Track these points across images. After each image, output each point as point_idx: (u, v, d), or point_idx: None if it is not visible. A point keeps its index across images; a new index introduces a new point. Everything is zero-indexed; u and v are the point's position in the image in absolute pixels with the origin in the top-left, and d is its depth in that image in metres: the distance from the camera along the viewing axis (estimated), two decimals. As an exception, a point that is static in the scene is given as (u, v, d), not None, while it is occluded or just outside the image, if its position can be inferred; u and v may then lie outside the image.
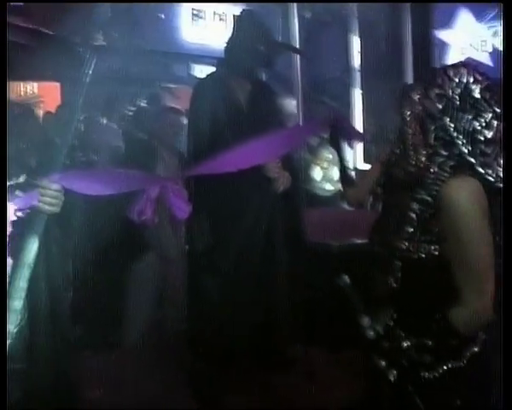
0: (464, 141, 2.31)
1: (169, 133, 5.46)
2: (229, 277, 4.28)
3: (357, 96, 7.55)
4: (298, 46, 6.11)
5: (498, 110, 2.32)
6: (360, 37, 7.29)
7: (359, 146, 7.41)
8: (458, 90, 2.34)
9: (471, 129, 2.31)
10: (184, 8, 12.04)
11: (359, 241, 4.77)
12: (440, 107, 2.36)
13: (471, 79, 2.33)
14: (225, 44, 4.42)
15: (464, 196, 2.26)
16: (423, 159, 2.40)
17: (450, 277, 2.30)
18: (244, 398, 4.32)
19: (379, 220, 3.97)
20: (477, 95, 2.32)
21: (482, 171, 2.29)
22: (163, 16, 11.44)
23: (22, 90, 11.10)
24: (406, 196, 2.50)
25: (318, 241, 5.08)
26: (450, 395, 2.39)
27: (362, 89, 7.46)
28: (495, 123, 2.30)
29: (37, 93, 10.89)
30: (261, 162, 4.00)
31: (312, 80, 12.37)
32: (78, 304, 4.00)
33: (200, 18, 12.34)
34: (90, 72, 3.02)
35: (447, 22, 12.89)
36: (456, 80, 2.35)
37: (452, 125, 2.33)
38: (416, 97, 3.51)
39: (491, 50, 12.65)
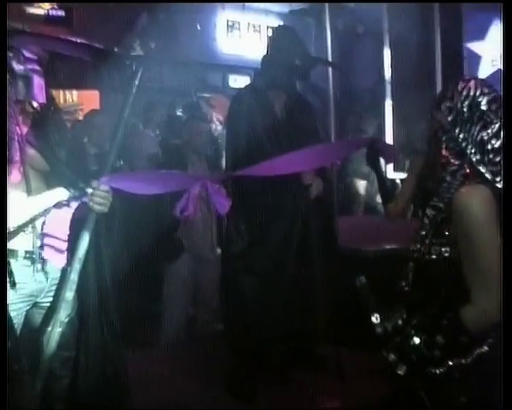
0: (474, 151, 2.48)
1: (197, 140, 5.61)
2: (263, 278, 4.43)
3: (388, 107, 7.64)
4: (331, 58, 6.26)
5: (504, 120, 2.47)
6: (391, 48, 7.36)
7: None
8: (466, 103, 2.50)
9: (479, 139, 2.47)
10: (220, 19, 12.22)
11: (393, 247, 4.92)
12: (450, 119, 2.53)
13: (478, 92, 2.49)
14: (262, 57, 4.59)
15: (475, 202, 2.41)
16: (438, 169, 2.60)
17: (460, 277, 2.45)
18: (277, 394, 4.47)
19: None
20: (484, 107, 2.47)
21: (491, 178, 2.44)
22: (199, 27, 11.60)
23: (62, 97, 11.36)
24: (425, 203, 2.70)
25: (351, 246, 5.23)
26: (455, 391, 2.53)
27: (392, 100, 7.55)
28: (502, 133, 2.46)
29: (77, 101, 11.13)
30: (299, 170, 4.19)
31: (346, 91, 12.55)
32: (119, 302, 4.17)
33: (236, 29, 12.51)
34: (137, 82, 3.24)
35: (478, 34, 12.96)
36: (465, 93, 2.51)
37: (462, 136, 2.50)
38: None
39: (521, 62, 12.71)
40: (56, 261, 3.20)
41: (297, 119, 4.51)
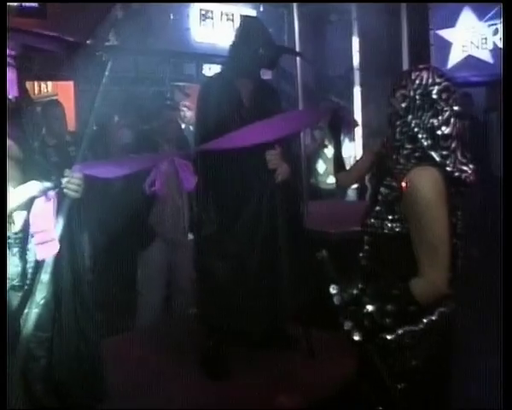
0: (425, 136, 2.67)
1: (168, 128, 5.75)
2: (233, 261, 4.54)
3: (356, 92, 7.80)
4: (304, 46, 6.38)
5: (456, 108, 2.67)
6: (359, 37, 7.51)
7: (359, 140, 7.69)
8: (419, 91, 2.68)
9: (430, 126, 2.66)
10: (193, 9, 12.29)
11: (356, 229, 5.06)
12: (404, 106, 2.71)
13: (430, 81, 2.67)
14: (230, 47, 4.73)
15: (425, 182, 2.60)
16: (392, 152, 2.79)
17: (411, 252, 2.65)
18: (250, 373, 4.60)
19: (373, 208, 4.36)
20: (434, 96, 2.66)
21: (441, 162, 2.63)
22: (172, 17, 11.68)
23: (36, 88, 11.42)
24: (379, 182, 2.90)
25: (317, 229, 5.39)
26: (406, 356, 2.74)
27: (361, 86, 7.71)
28: (452, 120, 2.66)
29: (51, 91, 11.18)
30: (265, 141, 4.33)
31: (319, 78, 12.68)
32: (94, 285, 4.28)
33: (209, 18, 12.60)
34: (107, 73, 3.38)
35: (449, 21, 13.13)
36: (417, 82, 2.69)
37: (414, 122, 2.69)
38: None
39: (491, 48, 12.87)
40: (46, 253, 3.33)
41: (263, 106, 4.61)
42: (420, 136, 2.67)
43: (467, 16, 13.03)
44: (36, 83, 11.29)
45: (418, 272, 2.63)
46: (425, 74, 2.69)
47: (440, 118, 2.66)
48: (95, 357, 3.79)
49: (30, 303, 3.30)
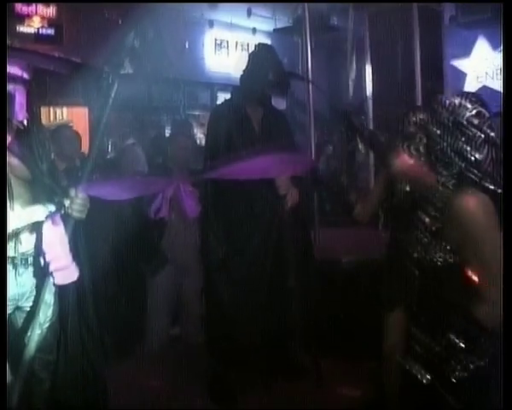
0: (460, 161, 2.63)
1: (181, 156, 5.73)
2: (242, 288, 4.55)
3: (370, 123, 7.80)
4: (319, 75, 6.39)
5: (490, 133, 2.62)
6: (372, 66, 7.52)
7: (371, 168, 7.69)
8: (451, 118, 2.65)
9: (464, 151, 2.62)
10: (208, 38, 12.40)
11: (370, 257, 5.03)
12: (439, 132, 2.68)
13: (461, 107, 2.64)
14: (241, 74, 4.75)
15: (476, 208, 2.55)
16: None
17: (469, 280, 2.58)
18: (258, 401, 4.57)
19: (392, 235, 4.34)
20: (465, 121, 2.62)
21: (480, 182, 2.59)
22: (187, 45, 11.77)
23: (52, 114, 11.50)
24: (415, 211, 2.85)
25: (329, 257, 5.37)
26: (477, 394, 2.65)
27: (374, 117, 7.70)
28: (485, 146, 2.61)
29: (67, 118, 11.27)
30: (271, 176, 4.37)
31: (334, 107, 12.69)
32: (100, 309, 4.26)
33: (224, 47, 12.70)
34: (113, 95, 3.38)
35: (463, 51, 13.15)
36: (450, 109, 2.66)
37: (449, 148, 2.65)
38: (409, 120, 3.93)
39: (506, 79, 12.88)
40: (64, 279, 3.32)
41: (273, 132, 4.66)
42: (456, 160, 2.65)
43: (481, 46, 13.06)
44: (51, 110, 11.38)
45: (479, 297, 2.56)
46: (457, 100, 2.68)
47: (473, 144, 2.63)
48: (100, 381, 3.74)
49: (34, 324, 3.28)
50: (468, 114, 2.63)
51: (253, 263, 4.57)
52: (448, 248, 2.65)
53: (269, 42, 13.02)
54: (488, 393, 2.67)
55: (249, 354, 4.65)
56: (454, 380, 2.61)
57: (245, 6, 11.23)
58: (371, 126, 7.84)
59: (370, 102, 7.57)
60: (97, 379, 3.70)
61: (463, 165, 2.63)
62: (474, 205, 2.56)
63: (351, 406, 4.53)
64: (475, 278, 2.57)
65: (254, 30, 12.41)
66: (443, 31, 7.77)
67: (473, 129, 2.62)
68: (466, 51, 13.26)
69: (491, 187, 2.59)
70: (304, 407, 4.52)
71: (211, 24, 11.88)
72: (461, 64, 13.34)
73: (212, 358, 4.84)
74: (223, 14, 11.41)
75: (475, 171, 2.61)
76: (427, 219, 2.77)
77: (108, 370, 3.91)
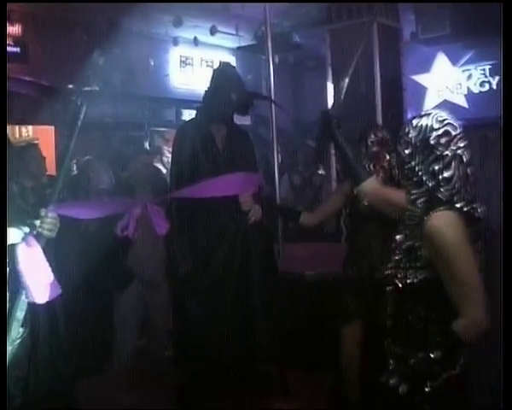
0: (429, 180, 2.73)
1: (143, 173, 5.83)
2: (207, 301, 4.63)
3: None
4: (279, 92, 6.50)
5: (458, 151, 2.72)
6: (333, 82, 7.67)
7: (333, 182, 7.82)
8: (419, 138, 2.75)
9: (432, 170, 2.72)
10: (173, 55, 12.50)
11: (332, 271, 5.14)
12: (407, 152, 2.79)
13: (428, 127, 2.74)
14: (204, 92, 4.87)
15: (446, 227, 2.65)
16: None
17: (443, 295, 2.67)
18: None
19: (352, 250, 4.48)
20: (432, 141, 2.72)
21: (449, 200, 2.69)
22: (152, 63, 11.85)
23: (17, 132, 11.50)
24: (376, 226, 2.99)
25: (293, 270, 5.50)
26: (449, 400, 2.75)
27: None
28: (453, 163, 2.70)
29: (32, 135, 11.27)
30: (233, 194, 4.55)
31: (295, 124, 12.87)
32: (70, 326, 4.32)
33: (189, 64, 12.81)
34: (82, 116, 3.47)
35: (423, 66, 13.45)
36: (418, 129, 2.76)
37: (418, 167, 2.76)
38: (371, 140, 4.11)
39: (465, 93, 13.20)
40: (48, 295, 3.39)
41: (236, 150, 4.79)
42: (424, 179, 2.74)
43: (441, 61, 13.38)
44: (17, 127, 11.38)
45: (457, 313, 2.65)
46: (424, 121, 2.77)
47: (441, 163, 2.72)
48: (70, 398, 3.82)
49: (5, 341, 3.35)
50: (435, 134, 2.72)
51: (218, 277, 4.65)
52: (419, 265, 2.73)
53: (233, 59, 13.21)
54: (462, 399, 2.79)
55: (215, 366, 4.72)
56: (427, 390, 2.69)
57: (209, 23, 11.33)
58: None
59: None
60: (67, 396, 3.78)
61: (433, 184, 2.72)
62: (442, 224, 2.66)
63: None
64: (451, 294, 2.65)
65: (219, 47, 12.53)
66: (401, 47, 7.91)
67: (440, 148, 2.71)
68: (426, 67, 13.61)
69: (459, 205, 2.69)
70: None
71: (175, 41, 11.96)
72: (421, 79, 13.68)
73: (179, 370, 4.93)
74: (187, 31, 11.50)
75: (444, 189, 2.70)
76: (397, 237, 2.86)
77: (78, 385, 4.00)
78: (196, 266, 4.66)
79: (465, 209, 2.68)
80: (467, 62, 13.12)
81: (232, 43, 12.53)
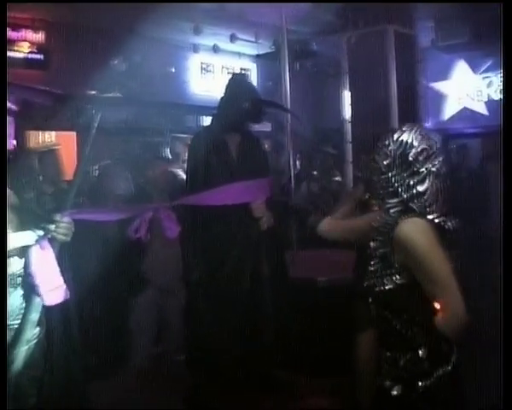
0: (404, 191, 2.84)
1: (160, 179, 5.92)
2: (220, 306, 4.74)
3: (348, 145, 7.99)
4: (299, 99, 6.57)
5: (433, 169, 2.82)
6: (351, 90, 7.73)
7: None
8: (399, 152, 2.84)
9: (407, 183, 2.83)
10: (193, 62, 12.60)
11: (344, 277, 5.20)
12: (385, 163, 2.88)
13: (408, 144, 2.83)
14: (219, 101, 4.98)
15: (415, 232, 2.76)
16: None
17: (422, 295, 2.78)
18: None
19: (360, 256, 4.55)
20: (411, 158, 2.82)
21: (422, 212, 2.81)
22: (173, 70, 11.96)
23: (40, 138, 11.68)
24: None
25: (305, 277, 5.56)
26: (445, 399, 2.85)
27: (352, 138, 7.90)
28: (428, 179, 2.81)
29: (55, 141, 11.43)
30: (245, 201, 4.66)
31: (314, 131, 12.93)
32: (84, 329, 4.42)
33: (209, 71, 12.91)
34: (96, 124, 3.60)
35: (443, 74, 13.47)
36: (398, 143, 2.85)
37: (394, 178, 2.86)
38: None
39: (486, 100, 13.21)
40: (55, 299, 3.51)
41: (249, 157, 4.91)
42: (400, 190, 2.85)
43: (462, 69, 13.38)
44: (40, 133, 11.54)
45: (434, 311, 2.76)
46: (405, 136, 2.86)
47: (417, 178, 2.82)
48: (82, 398, 3.93)
49: (21, 341, 3.47)
50: (414, 151, 2.81)
51: (230, 282, 4.75)
52: (393, 271, 2.83)
53: (254, 66, 13.31)
54: (459, 397, 2.89)
55: (227, 369, 4.82)
56: (420, 389, 2.79)
57: (228, 31, 11.44)
58: (350, 148, 8.04)
59: (348, 125, 7.77)
60: (80, 396, 3.89)
61: (407, 195, 2.83)
62: (411, 229, 2.76)
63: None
64: (428, 293, 2.76)
65: (239, 54, 12.62)
66: (417, 54, 7.96)
67: (418, 165, 2.81)
68: (446, 74, 13.63)
69: (430, 217, 2.79)
70: None
71: (196, 48, 12.07)
72: (441, 86, 13.70)
73: (191, 372, 5.02)
74: (207, 38, 11.61)
75: (417, 201, 2.81)
76: (371, 244, 2.95)
77: (91, 386, 4.10)
78: (208, 271, 4.77)
79: (436, 221, 2.79)
80: (487, 70, 13.14)
81: (252, 50, 12.62)
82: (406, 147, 2.83)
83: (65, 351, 3.75)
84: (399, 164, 2.85)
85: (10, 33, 10.04)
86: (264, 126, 12.71)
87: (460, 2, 10.33)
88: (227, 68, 12.91)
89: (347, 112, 7.78)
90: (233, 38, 11.61)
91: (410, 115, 7.67)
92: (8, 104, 3.55)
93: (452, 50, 12.48)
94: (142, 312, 5.84)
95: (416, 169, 2.82)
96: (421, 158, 2.82)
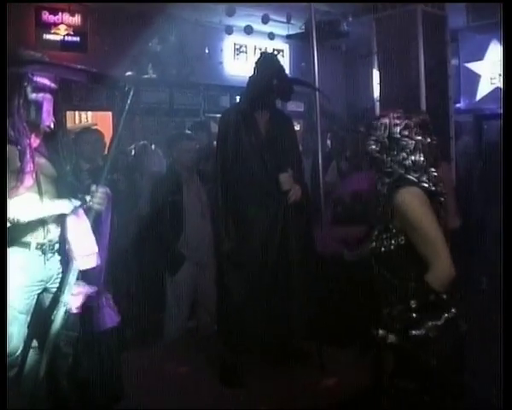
0: (399, 167, 3.26)
1: (186, 157, 6.05)
2: (247, 276, 4.90)
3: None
4: (332, 79, 6.61)
5: (418, 138, 3.26)
6: (379, 70, 7.78)
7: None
8: (385, 134, 3.27)
9: (400, 158, 3.26)
10: (227, 43, 12.74)
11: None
12: (377, 148, 3.30)
13: (392, 124, 3.27)
14: (248, 79, 5.15)
15: (411, 199, 3.20)
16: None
17: (416, 255, 3.19)
18: (264, 384, 4.94)
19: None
20: (397, 135, 3.25)
21: (418, 181, 3.24)
22: (207, 51, 12.11)
23: (77, 118, 11.96)
24: None
25: (331, 250, 5.70)
26: (432, 351, 3.18)
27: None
28: (417, 149, 3.25)
29: (91, 121, 11.70)
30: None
31: (348, 110, 13.01)
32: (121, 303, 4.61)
33: (242, 52, 13.04)
34: (129, 101, 3.80)
35: (477, 54, 13.43)
36: (383, 127, 3.29)
37: (387, 159, 3.28)
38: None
39: (518, 80, 13.14)
40: (87, 264, 3.74)
41: (278, 134, 5.05)
42: (396, 167, 3.27)
43: (495, 49, 13.32)
44: (77, 113, 11.82)
45: (428, 267, 3.16)
46: (386, 120, 3.29)
47: (408, 151, 3.25)
48: (114, 361, 4.16)
49: (60, 304, 3.71)
50: (399, 128, 3.25)
51: (260, 255, 4.90)
52: (389, 235, 3.26)
53: (286, 46, 13.41)
54: (454, 349, 3.24)
55: (257, 341, 4.99)
56: (412, 338, 3.15)
57: (261, 12, 11.55)
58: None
59: (378, 105, 7.83)
60: (112, 360, 4.12)
61: (403, 171, 3.25)
62: (409, 197, 3.19)
63: (350, 390, 4.86)
64: (421, 252, 3.18)
65: (272, 35, 12.69)
66: (447, 35, 7.98)
67: (405, 138, 3.24)
68: (479, 54, 13.59)
69: (426, 185, 3.23)
70: (306, 388, 4.88)
71: (229, 30, 12.19)
72: (474, 66, 13.67)
73: (223, 345, 5.17)
74: (240, 19, 11.72)
75: (413, 172, 3.24)
76: (376, 216, 3.39)
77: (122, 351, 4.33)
78: (239, 243, 4.92)
79: (432, 189, 3.25)
80: (521, 49, 13.04)
81: (285, 31, 12.71)
82: (391, 127, 3.25)
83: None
84: (390, 144, 3.26)
85: (47, 16, 10.28)
86: (298, 107, 12.87)
87: (461, 2, 10.37)
88: (260, 49, 13.02)
89: (377, 92, 7.83)
90: (265, 19, 11.69)
91: (438, 95, 7.73)
92: (47, 82, 3.74)
93: (485, 31, 12.44)
94: (178, 287, 6.05)
95: (405, 143, 3.23)
96: (406, 132, 3.24)
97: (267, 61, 5.11)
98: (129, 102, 3.76)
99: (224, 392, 4.93)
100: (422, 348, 3.16)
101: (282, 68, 5.07)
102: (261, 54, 5.45)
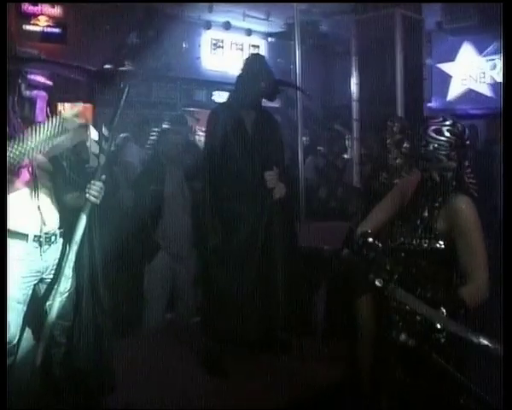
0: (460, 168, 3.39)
1: (172, 151, 6.10)
2: (233, 270, 4.99)
3: (354, 124, 8.19)
4: (309, 77, 6.74)
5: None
6: (358, 69, 7.94)
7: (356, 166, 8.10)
8: (458, 142, 3.31)
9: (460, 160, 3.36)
10: (204, 38, 12.82)
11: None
12: (446, 153, 3.31)
13: (460, 133, 3.34)
14: (236, 79, 5.26)
15: (470, 208, 3.26)
16: None
17: (453, 263, 3.27)
18: (246, 373, 5.05)
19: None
20: (467, 142, 3.37)
21: (469, 190, 3.36)
22: (185, 45, 12.18)
23: (60, 108, 11.93)
24: None
25: (311, 245, 5.86)
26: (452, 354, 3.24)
27: (358, 118, 8.09)
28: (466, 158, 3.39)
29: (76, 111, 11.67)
30: None
31: (323, 108, 13.16)
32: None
33: (219, 47, 13.13)
34: (124, 97, 3.92)
35: (449, 55, 13.67)
36: (454, 133, 3.31)
37: (451, 163, 3.32)
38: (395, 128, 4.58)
39: (489, 82, 13.41)
40: None
41: (264, 134, 5.17)
42: (451, 166, 3.33)
43: (466, 51, 13.58)
44: (59, 104, 11.78)
45: (466, 279, 3.22)
46: (455, 128, 3.33)
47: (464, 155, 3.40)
48: (107, 353, 4.25)
49: (55, 294, 3.83)
50: (466, 135, 3.35)
51: (244, 248, 5.01)
52: (432, 236, 3.29)
53: (263, 43, 13.53)
54: (465, 351, 3.27)
55: (239, 331, 5.05)
56: (433, 341, 3.16)
57: (241, 8, 11.64)
58: (358, 126, 8.24)
59: (356, 104, 7.99)
60: (105, 351, 4.22)
61: (458, 170, 3.33)
62: (467, 205, 3.26)
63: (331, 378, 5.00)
64: (463, 262, 3.23)
65: (249, 31, 12.81)
66: (424, 38, 8.17)
67: (466, 143, 3.34)
68: (451, 56, 13.83)
69: (475, 195, 3.35)
70: (287, 379, 4.93)
71: (208, 25, 12.26)
72: (446, 67, 13.91)
73: (205, 336, 5.26)
74: (219, 15, 11.79)
75: (465, 178, 3.36)
76: (426, 213, 3.39)
77: (113, 344, 4.41)
78: (224, 239, 5.03)
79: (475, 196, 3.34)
80: (491, 52, 13.29)
81: (263, 27, 12.82)
82: (462, 135, 3.32)
83: (93, 306, 4.08)
84: (457, 150, 3.30)
85: (27, 7, 10.27)
86: (274, 102, 12.94)
87: (459, 2, 10.59)
88: (236, 44, 13.12)
89: (355, 91, 7.99)
90: (244, 16, 11.80)
91: (414, 97, 7.91)
92: (42, 79, 3.85)
93: (458, 33, 12.71)
94: (155, 276, 6.08)
95: (466, 146, 3.34)
96: (467, 143, 3.35)
97: (255, 63, 5.21)
98: (124, 98, 3.88)
99: (208, 381, 5.00)
100: (442, 352, 3.18)
101: (269, 70, 5.18)
102: (250, 54, 5.59)
